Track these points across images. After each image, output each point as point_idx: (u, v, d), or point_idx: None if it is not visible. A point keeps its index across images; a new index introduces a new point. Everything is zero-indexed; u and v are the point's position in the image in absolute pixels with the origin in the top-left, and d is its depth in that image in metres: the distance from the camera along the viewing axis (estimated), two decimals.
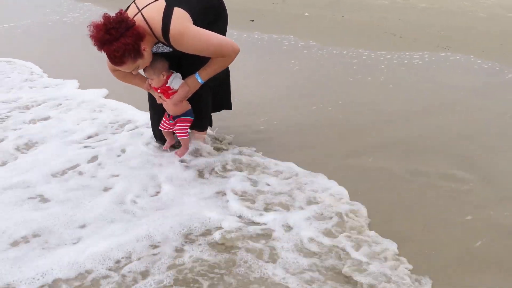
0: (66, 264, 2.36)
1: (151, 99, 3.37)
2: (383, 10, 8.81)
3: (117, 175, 3.23)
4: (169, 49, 2.92)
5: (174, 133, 3.42)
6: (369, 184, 3.09)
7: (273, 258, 2.40)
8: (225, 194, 2.99)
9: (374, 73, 5.36)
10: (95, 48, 2.68)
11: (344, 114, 4.23)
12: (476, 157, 3.38)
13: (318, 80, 5.21)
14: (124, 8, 2.82)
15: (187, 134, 3.33)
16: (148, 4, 2.78)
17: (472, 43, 6.47)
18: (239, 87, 4.48)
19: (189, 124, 3.31)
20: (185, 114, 3.26)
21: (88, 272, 2.32)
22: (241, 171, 3.27)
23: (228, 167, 3.32)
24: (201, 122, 3.40)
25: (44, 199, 2.97)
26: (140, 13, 2.76)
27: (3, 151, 3.65)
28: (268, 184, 3.10)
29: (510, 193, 2.93)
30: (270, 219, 2.71)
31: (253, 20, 8.20)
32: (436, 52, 6.08)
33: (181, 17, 2.75)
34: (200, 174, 3.25)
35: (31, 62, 6.22)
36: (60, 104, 4.66)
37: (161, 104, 3.24)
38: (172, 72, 3.07)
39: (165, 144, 3.49)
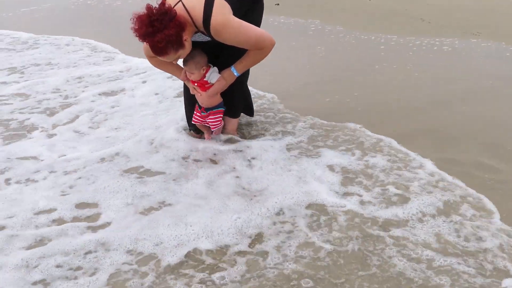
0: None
1: (186, 90, 3.42)
2: None
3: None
4: (208, 39, 2.94)
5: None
6: None
7: None
8: None
9: (402, 59, 5.29)
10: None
11: (371, 101, 4.21)
12: (510, 146, 3.34)
13: (346, 66, 5.17)
14: None
15: (221, 124, 3.43)
16: None
17: (503, 28, 6.31)
18: (266, 74, 4.48)
19: (222, 115, 3.41)
20: (217, 106, 3.34)
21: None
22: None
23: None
24: (233, 108, 3.44)
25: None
26: (181, 2, 2.77)
27: None
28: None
29: None
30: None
31: (278, 4, 8.13)
32: (466, 39, 5.96)
33: (222, 8, 2.78)
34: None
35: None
36: None
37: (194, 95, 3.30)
38: (210, 66, 3.13)
39: (205, 135, 3.54)
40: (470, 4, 7.67)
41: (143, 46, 3.04)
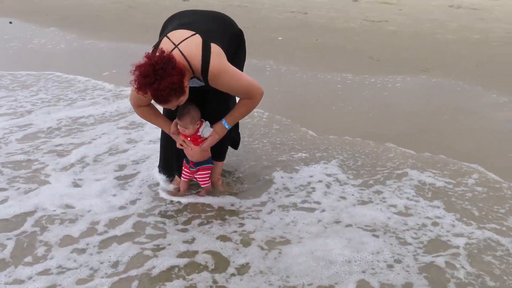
0: None
1: (166, 140, 3.38)
2: (354, 33, 8.95)
3: None
4: (201, 84, 2.93)
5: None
6: None
7: None
8: None
9: (359, 98, 5.42)
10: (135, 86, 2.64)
11: (338, 141, 4.29)
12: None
13: (308, 105, 5.20)
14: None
15: (209, 181, 3.40)
16: (184, 39, 2.77)
17: (448, 65, 6.65)
18: None
19: (210, 171, 3.39)
20: (206, 161, 3.32)
21: None
22: None
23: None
24: (220, 151, 3.43)
25: None
26: (177, 48, 2.73)
27: None
28: None
29: None
30: None
31: None
32: (416, 75, 6.21)
33: (219, 54, 2.78)
34: None
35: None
36: None
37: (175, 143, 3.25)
38: (203, 121, 3.12)
39: (181, 191, 3.47)
40: (412, 42, 8.06)
41: (131, 95, 2.99)
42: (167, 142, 3.41)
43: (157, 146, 3.73)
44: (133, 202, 3.39)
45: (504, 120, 4.69)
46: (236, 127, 3.59)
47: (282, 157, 3.98)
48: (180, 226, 3.10)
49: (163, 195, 3.44)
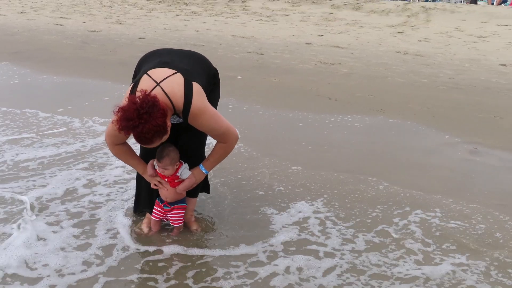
0: None
1: (140, 177, 3.31)
2: (310, 74, 9.24)
3: None
4: (180, 120, 2.91)
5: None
6: None
7: None
8: None
9: (321, 136, 5.57)
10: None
11: (300, 182, 4.35)
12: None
13: (268, 145, 5.29)
14: None
15: (182, 220, 3.35)
16: (166, 78, 2.77)
17: (402, 106, 6.98)
18: None
19: (184, 211, 3.33)
20: (181, 201, 3.27)
21: None
22: None
23: None
24: (195, 188, 3.34)
25: None
26: (159, 86, 2.73)
27: None
28: None
29: None
30: None
31: None
32: (374, 115, 6.47)
33: (200, 94, 2.81)
34: None
35: None
36: None
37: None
38: (182, 162, 3.11)
39: (151, 231, 3.39)
40: (365, 84, 8.42)
41: (108, 132, 2.93)
42: (141, 179, 3.35)
43: (115, 189, 3.59)
44: (98, 257, 3.12)
45: (462, 158, 4.96)
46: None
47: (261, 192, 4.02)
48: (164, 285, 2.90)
49: (129, 242, 3.26)
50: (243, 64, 9.96)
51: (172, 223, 3.34)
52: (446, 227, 3.57)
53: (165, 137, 2.71)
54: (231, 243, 3.29)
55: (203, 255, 3.15)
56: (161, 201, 3.27)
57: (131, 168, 3.42)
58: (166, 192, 3.17)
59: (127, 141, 3.04)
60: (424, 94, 7.82)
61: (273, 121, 6.15)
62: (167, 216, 3.32)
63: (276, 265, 3.06)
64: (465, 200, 3.99)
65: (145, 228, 3.37)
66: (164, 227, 3.43)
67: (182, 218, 3.33)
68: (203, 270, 3.01)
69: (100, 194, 3.92)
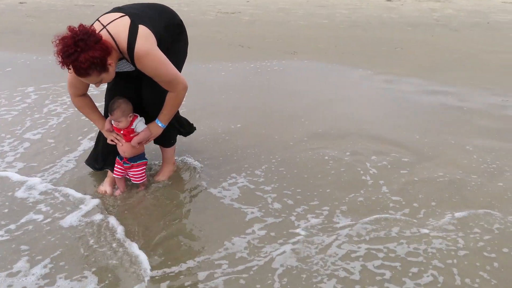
0: None
1: (100, 134, 3.28)
2: (214, 24, 9.17)
3: None
4: (132, 68, 2.88)
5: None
6: None
7: None
8: None
9: (247, 83, 5.66)
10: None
11: (223, 128, 4.44)
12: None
13: (193, 96, 5.27)
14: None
15: (144, 177, 3.30)
16: (112, 21, 2.75)
17: (312, 47, 7.26)
18: None
19: (145, 167, 3.28)
20: (140, 157, 3.22)
21: None
22: None
23: None
24: (166, 137, 3.35)
25: None
26: (105, 29, 2.72)
27: None
28: None
29: None
30: None
31: None
32: (289, 59, 6.65)
33: (146, 36, 2.75)
34: None
35: None
36: None
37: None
38: (137, 116, 3.07)
39: (117, 191, 3.31)
40: (272, 30, 8.57)
41: (68, 82, 2.92)
42: (101, 136, 3.29)
43: None
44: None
45: (380, 88, 5.36)
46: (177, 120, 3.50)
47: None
48: None
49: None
50: None
51: (133, 180, 3.27)
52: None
53: (105, 76, 2.68)
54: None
55: None
56: (121, 158, 3.20)
57: None
58: (123, 147, 3.10)
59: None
60: (328, 34, 8.17)
61: (198, 73, 6.08)
62: (128, 173, 3.26)
63: None
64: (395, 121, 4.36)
65: (107, 187, 3.28)
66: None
67: (143, 174, 3.27)
68: None
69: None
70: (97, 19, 2.79)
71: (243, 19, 9.64)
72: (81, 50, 2.51)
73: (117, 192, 3.28)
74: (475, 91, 5.18)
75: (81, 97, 3.03)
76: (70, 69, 2.58)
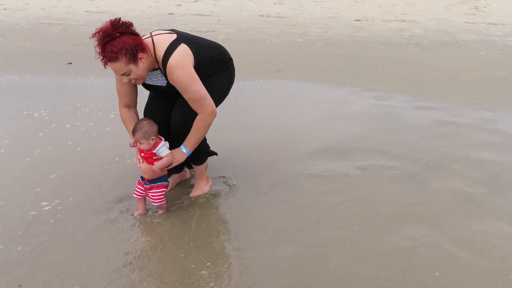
0: None
1: None
2: None
3: None
4: (164, 82, 2.94)
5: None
6: None
7: None
8: None
9: (242, 101, 5.65)
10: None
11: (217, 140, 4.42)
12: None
13: None
14: None
15: (163, 199, 3.19)
16: (161, 34, 2.92)
17: (294, 65, 7.34)
18: None
19: (165, 190, 3.19)
20: (160, 179, 3.13)
21: None
22: None
23: None
24: (197, 155, 3.30)
25: None
26: (151, 37, 2.90)
27: None
28: None
29: None
30: None
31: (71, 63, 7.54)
32: (275, 77, 6.68)
33: (183, 52, 2.85)
34: None
35: None
36: None
37: None
38: (162, 139, 3.01)
39: (137, 212, 3.21)
40: (250, 48, 8.62)
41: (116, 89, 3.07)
42: None
43: None
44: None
45: (371, 104, 5.47)
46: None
47: None
48: None
49: None
50: None
51: (152, 202, 3.17)
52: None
53: (134, 67, 2.74)
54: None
55: None
56: (142, 178, 3.11)
57: None
58: (143, 168, 3.04)
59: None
60: (306, 52, 8.30)
61: None
62: (148, 194, 3.16)
63: None
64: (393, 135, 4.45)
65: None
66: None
67: (161, 197, 3.16)
68: None
69: None
70: (150, 32, 2.96)
71: (218, 38, 9.65)
72: (117, 36, 2.66)
73: (136, 213, 3.18)
74: (463, 106, 5.38)
75: (127, 109, 3.10)
76: (104, 59, 2.68)
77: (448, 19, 11.00)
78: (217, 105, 3.04)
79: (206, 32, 10.19)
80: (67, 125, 4.71)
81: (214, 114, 2.97)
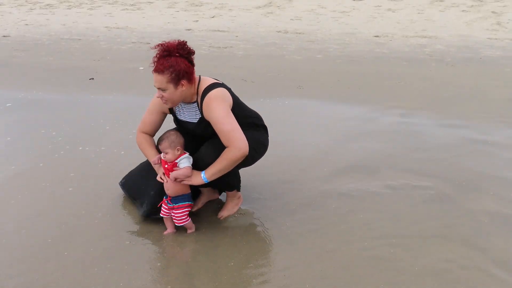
0: None
1: (147, 166, 3.29)
2: (209, 59, 9.11)
3: None
4: (195, 119, 3.05)
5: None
6: None
7: None
8: None
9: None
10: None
11: None
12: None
13: None
14: None
15: (187, 219, 3.16)
16: (209, 77, 3.11)
17: (315, 81, 7.25)
18: None
19: (188, 210, 3.15)
20: (183, 199, 3.09)
21: None
22: None
23: None
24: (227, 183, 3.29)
25: None
26: (199, 75, 3.08)
27: None
28: None
29: None
30: None
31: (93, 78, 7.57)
32: (298, 94, 6.59)
33: (225, 92, 3.00)
34: None
35: None
36: None
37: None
38: (185, 152, 3.02)
39: (166, 230, 3.20)
40: (270, 64, 8.57)
41: (142, 118, 3.21)
42: (146, 170, 3.29)
43: None
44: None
45: (395, 122, 5.35)
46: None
47: None
48: None
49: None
50: (137, 55, 9.45)
51: (176, 223, 3.12)
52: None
53: (171, 89, 2.85)
54: None
55: None
56: (166, 196, 3.10)
57: None
58: (166, 184, 3.05)
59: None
60: (326, 68, 8.22)
61: None
62: (172, 214, 3.11)
63: None
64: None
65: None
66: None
67: (184, 217, 3.10)
68: None
69: None
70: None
71: (237, 54, 9.64)
72: (175, 55, 2.83)
73: (165, 232, 3.16)
74: (492, 124, 5.23)
75: (146, 135, 3.23)
76: (154, 67, 2.82)
77: (469, 35, 10.84)
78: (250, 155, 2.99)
79: (225, 48, 10.19)
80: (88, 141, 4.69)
81: (242, 152, 2.87)
